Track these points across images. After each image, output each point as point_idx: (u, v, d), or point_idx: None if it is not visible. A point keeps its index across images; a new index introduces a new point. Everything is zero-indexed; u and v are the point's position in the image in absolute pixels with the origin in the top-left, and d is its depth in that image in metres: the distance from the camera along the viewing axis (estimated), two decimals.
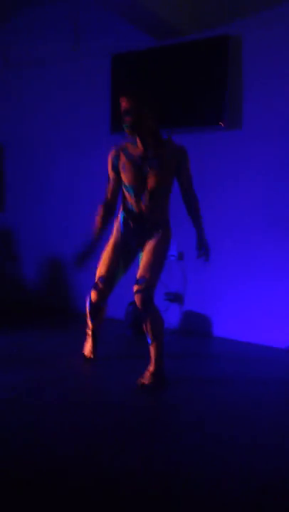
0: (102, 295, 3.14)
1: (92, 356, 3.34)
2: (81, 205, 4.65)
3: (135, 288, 2.88)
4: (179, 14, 3.84)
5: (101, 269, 3.09)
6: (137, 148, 2.93)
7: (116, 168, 2.98)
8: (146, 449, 2.21)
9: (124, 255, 3.09)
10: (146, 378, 2.89)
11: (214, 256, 4.02)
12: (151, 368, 2.92)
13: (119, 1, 3.53)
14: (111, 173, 3.02)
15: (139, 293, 2.86)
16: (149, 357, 2.95)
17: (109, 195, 3.07)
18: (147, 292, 2.86)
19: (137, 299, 2.88)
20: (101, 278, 3.08)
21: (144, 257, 2.98)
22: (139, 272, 2.93)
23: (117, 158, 2.98)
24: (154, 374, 2.90)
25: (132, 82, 2.89)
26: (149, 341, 2.93)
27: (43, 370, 3.16)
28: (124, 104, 2.85)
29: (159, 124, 2.90)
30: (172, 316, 4.16)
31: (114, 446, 2.23)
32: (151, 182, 2.91)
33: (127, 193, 3.01)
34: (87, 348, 3.38)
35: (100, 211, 3.08)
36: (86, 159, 4.60)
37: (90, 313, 3.27)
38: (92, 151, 4.55)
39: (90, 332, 3.34)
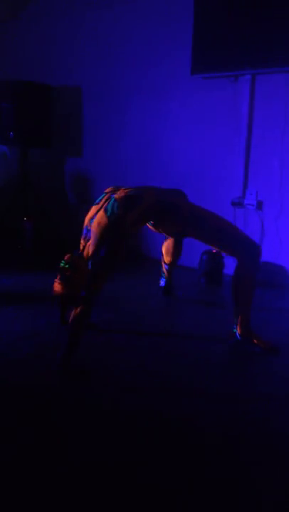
0: None
1: None
2: (157, 149, 4.56)
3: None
4: None
5: None
6: None
7: None
8: (218, 390, 2.22)
9: None
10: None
11: None
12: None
13: None
14: None
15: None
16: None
17: None
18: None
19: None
20: None
21: None
22: None
23: None
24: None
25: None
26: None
27: (116, 312, 3.22)
28: None
29: None
30: None
31: (185, 399, 2.24)
32: None
33: None
34: None
35: None
36: (165, 101, 4.46)
37: None
38: (171, 93, 4.39)
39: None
